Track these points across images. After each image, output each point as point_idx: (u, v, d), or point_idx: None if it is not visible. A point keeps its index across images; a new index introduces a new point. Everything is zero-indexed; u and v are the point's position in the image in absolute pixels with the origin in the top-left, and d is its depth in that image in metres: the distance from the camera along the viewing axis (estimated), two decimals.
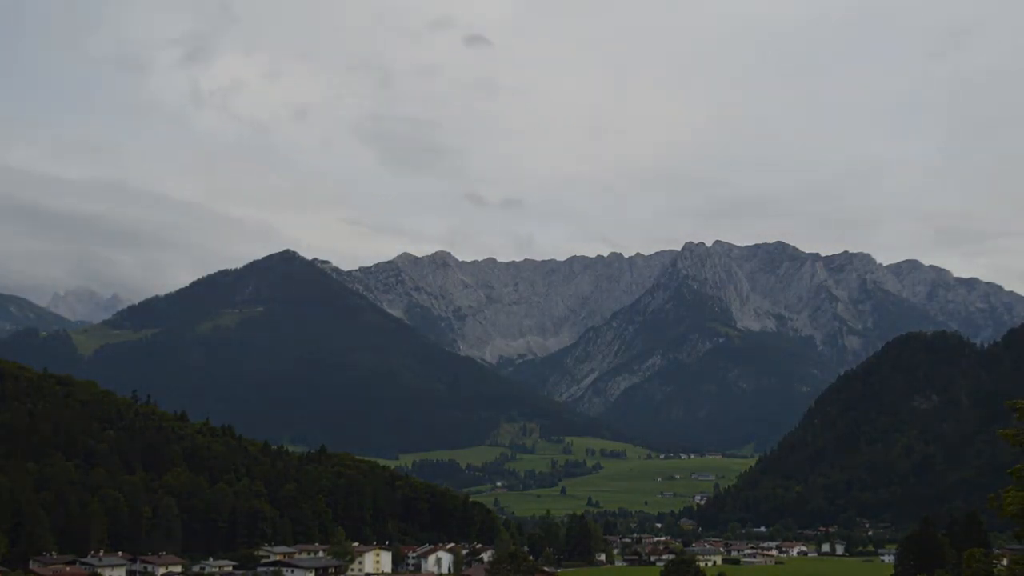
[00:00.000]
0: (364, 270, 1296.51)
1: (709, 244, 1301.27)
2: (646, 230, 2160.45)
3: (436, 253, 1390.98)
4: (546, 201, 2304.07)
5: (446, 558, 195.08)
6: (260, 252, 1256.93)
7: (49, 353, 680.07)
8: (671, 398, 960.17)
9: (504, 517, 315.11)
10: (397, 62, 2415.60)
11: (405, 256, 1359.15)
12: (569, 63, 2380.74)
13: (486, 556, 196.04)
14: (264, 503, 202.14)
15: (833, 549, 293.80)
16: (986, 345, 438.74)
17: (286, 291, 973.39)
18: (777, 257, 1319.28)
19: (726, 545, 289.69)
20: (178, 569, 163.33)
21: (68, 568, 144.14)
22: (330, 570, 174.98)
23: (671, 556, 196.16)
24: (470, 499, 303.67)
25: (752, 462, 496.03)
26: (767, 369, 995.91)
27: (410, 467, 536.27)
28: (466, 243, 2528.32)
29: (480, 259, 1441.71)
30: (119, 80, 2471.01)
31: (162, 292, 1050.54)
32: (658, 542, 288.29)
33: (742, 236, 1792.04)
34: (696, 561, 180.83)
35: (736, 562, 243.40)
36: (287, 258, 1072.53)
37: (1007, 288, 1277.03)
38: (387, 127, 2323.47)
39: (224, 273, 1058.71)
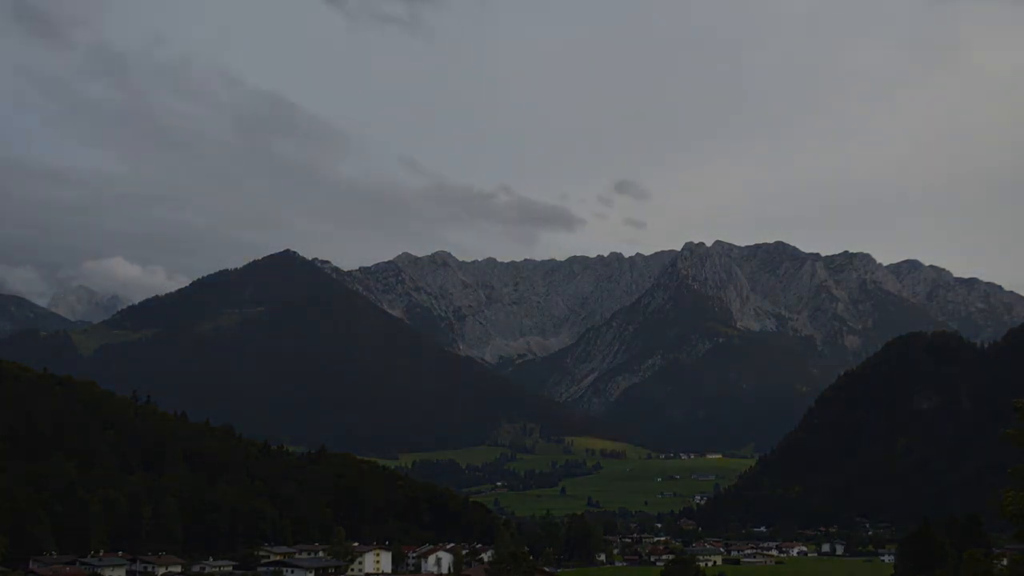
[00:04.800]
0: (364, 270, 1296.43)
1: (709, 244, 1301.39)
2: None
3: (436, 253, 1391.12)
4: None
5: (446, 558, 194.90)
6: (260, 252, 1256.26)
7: (49, 353, 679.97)
8: (671, 398, 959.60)
9: (504, 517, 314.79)
10: None
11: (405, 256, 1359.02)
12: None
13: (486, 556, 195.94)
14: (264, 503, 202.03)
15: (833, 549, 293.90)
16: (986, 345, 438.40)
17: (286, 291, 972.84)
18: (777, 257, 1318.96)
19: (726, 545, 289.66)
20: (178, 569, 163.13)
21: (68, 568, 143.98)
22: (330, 570, 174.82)
23: (671, 556, 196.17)
24: (470, 499, 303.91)
25: (752, 462, 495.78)
26: (767, 369, 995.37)
27: (410, 467, 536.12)
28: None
29: (480, 259, 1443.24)
30: None
31: (162, 292, 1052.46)
32: (658, 542, 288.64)
33: (742, 236, 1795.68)
34: (696, 561, 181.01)
35: (736, 562, 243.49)
36: (287, 258, 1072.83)
37: (1006, 288, 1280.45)
38: None
39: (224, 273, 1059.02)
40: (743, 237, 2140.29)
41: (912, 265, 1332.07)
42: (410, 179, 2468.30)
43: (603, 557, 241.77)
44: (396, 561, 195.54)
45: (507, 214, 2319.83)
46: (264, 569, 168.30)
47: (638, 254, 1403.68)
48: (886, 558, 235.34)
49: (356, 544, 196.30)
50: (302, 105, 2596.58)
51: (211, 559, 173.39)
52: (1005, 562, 52.53)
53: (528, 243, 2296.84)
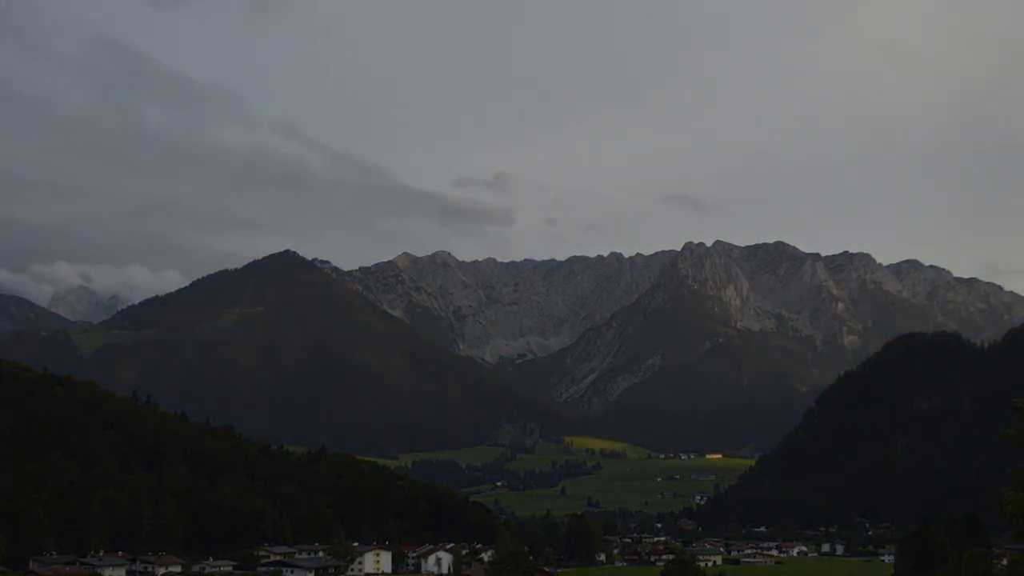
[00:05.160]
0: (364, 270, 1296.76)
1: (709, 244, 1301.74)
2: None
3: (436, 253, 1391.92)
4: None
5: (446, 558, 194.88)
6: (260, 252, 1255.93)
7: (49, 353, 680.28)
8: (671, 398, 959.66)
9: (504, 517, 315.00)
10: None
11: (405, 256, 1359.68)
12: None
13: (486, 556, 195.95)
14: (264, 503, 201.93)
15: (833, 549, 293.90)
16: (986, 345, 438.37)
17: (286, 291, 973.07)
18: (777, 257, 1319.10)
19: (726, 545, 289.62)
20: (178, 569, 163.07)
21: (68, 568, 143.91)
22: (330, 570, 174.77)
23: (671, 556, 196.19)
24: (470, 499, 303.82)
25: (752, 462, 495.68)
26: (767, 369, 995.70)
27: (410, 467, 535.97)
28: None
29: (480, 259, 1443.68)
30: None
31: (162, 292, 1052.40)
32: (658, 542, 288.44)
33: (742, 236, 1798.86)
34: (696, 561, 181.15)
35: (736, 562, 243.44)
36: (287, 258, 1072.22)
37: (1006, 288, 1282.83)
38: None
39: (224, 273, 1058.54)
40: (743, 237, 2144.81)
41: (912, 265, 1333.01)
42: (301, 151, 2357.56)
43: (603, 557, 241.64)
44: (396, 561, 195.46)
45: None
46: (264, 569, 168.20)
47: (638, 254, 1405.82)
48: (886, 558, 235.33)
49: (356, 544, 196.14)
50: (156, 59, 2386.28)
51: (211, 559, 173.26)
52: (1005, 562, 52.59)
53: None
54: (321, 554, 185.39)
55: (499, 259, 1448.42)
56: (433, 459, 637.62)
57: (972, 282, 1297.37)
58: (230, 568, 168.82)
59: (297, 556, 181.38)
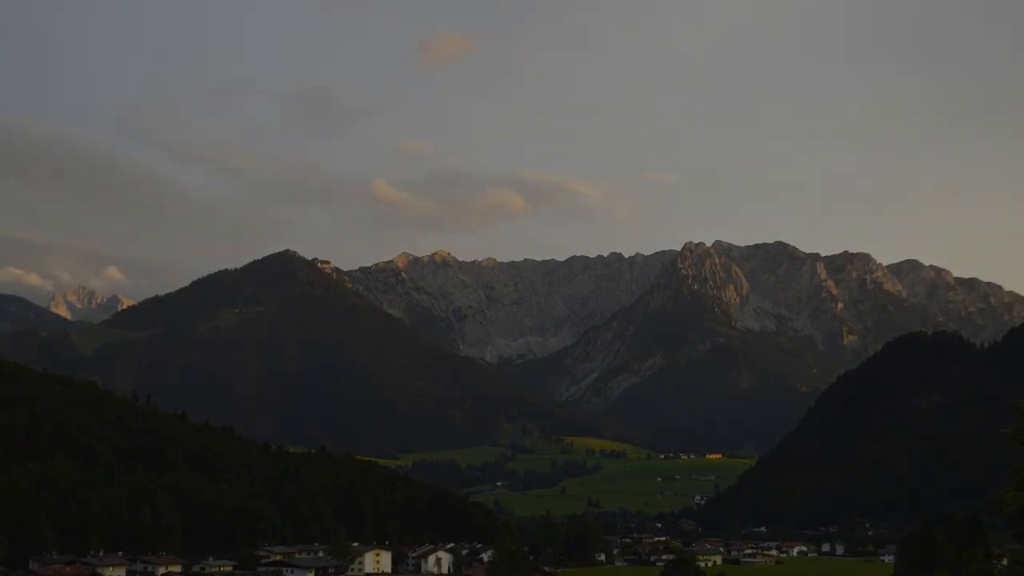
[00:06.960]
0: (364, 270, 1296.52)
1: (709, 244, 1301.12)
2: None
3: (436, 253, 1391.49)
4: None
5: (446, 558, 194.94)
6: (260, 252, 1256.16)
7: (49, 353, 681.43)
8: (671, 398, 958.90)
9: (504, 517, 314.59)
10: None
11: (405, 256, 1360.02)
12: None
13: (486, 556, 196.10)
14: (264, 503, 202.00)
15: (833, 549, 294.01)
16: (986, 345, 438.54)
17: (286, 291, 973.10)
18: (777, 257, 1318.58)
19: (726, 545, 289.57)
20: (178, 569, 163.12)
21: (68, 568, 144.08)
22: (330, 570, 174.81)
23: (671, 556, 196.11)
24: (470, 499, 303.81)
25: (752, 462, 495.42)
26: (767, 369, 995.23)
27: (410, 467, 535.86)
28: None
29: (480, 259, 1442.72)
30: None
31: (162, 292, 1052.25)
32: (658, 542, 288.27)
33: (742, 236, 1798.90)
34: (696, 561, 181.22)
35: (736, 562, 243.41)
36: (287, 258, 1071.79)
37: (1006, 288, 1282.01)
38: None
39: (224, 273, 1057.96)
40: (743, 237, 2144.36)
41: (912, 265, 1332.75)
42: None
43: (603, 557, 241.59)
44: (396, 561, 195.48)
45: None
46: (264, 569, 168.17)
47: (638, 254, 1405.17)
48: (886, 558, 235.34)
49: (356, 544, 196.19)
50: None
51: (211, 559, 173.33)
52: (1005, 562, 52.65)
53: None
54: (321, 554, 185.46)
55: (499, 259, 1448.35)
56: (433, 459, 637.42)
57: (972, 282, 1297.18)
58: (230, 568, 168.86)
59: (297, 556, 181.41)
